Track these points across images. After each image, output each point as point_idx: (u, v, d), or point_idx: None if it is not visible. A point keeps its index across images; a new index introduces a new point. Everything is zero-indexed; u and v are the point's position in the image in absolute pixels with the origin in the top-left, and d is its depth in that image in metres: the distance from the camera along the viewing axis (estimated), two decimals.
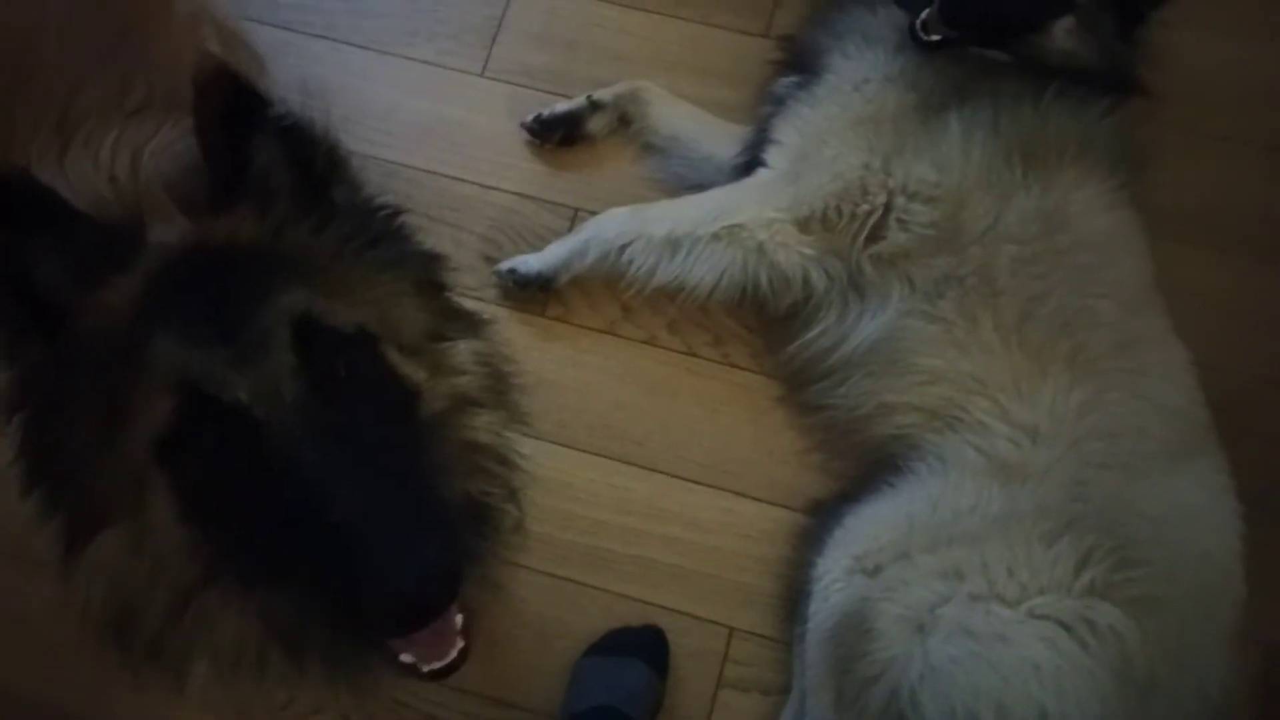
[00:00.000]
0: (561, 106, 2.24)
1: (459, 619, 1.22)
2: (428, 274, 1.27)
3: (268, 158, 1.12)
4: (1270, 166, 2.25)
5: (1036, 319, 1.78)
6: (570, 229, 2.19)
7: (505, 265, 2.13)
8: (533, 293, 2.12)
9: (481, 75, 2.31)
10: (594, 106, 2.24)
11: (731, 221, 1.95)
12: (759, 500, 2.03)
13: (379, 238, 1.21)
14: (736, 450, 2.07)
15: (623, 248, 2.00)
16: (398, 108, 2.30)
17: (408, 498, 1.05)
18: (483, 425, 1.31)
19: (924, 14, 1.87)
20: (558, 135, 2.24)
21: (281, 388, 1.05)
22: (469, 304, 1.35)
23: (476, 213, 2.23)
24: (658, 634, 1.95)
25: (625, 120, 2.25)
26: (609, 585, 1.99)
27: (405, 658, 1.18)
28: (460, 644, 1.22)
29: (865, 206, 1.89)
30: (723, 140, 2.19)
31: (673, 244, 1.97)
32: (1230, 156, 2.26)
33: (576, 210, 2.22)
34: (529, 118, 2.24)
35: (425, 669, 1.19)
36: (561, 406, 2.09)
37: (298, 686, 1.31)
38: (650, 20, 2.33)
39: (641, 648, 1.92)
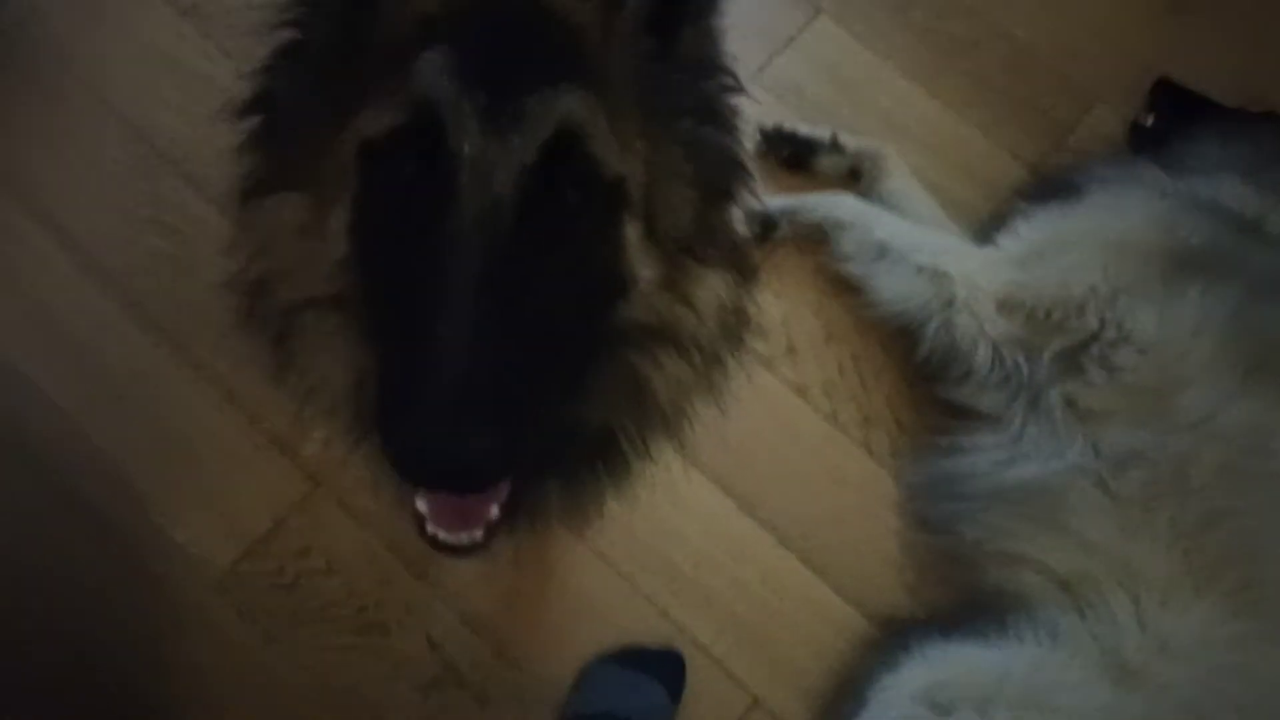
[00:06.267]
0: (805, 129, 2.18)
1: (494, 510, 1.07)
2: (721, 177, 1.11)
3: None
4: None
5: (1218, 533, 1.64)
6: None
7: None
8: (754, 230, 2.01)
9: (753, 78, 2.27)
10: (834, 146, 2.17)
11: (942, 265, 1.93)
12: (839, 591, 1.90)
13: (699, 108, 1.08)
14: (839, 533, 1.94)
15: (841, 225, 2.03)
16: None
17: (525, 369, 0.90)
18: (671, 376, 1.14)
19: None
20: (785, 152, 2.18)
21: (500, 172, 0.92)
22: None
23: None
24: (679, 661, 1.82)
25: (855, 174, 2.18)
26: (660, 599, 1.86)
27: (420, 505, 1.05)
28: (478, 535, 1.06)
29: (1075, 322, 1.82)
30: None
31: (882, 250, 1.98)
32: None
33: None
34: (770, 124, 2.18)
35: (429, 529, 1.06)
36: None
37: (348, 454, 1.22)
38: (933, 105, 2.28)
39: (662, 670, 1.79)
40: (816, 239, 2.08)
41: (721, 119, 1.11)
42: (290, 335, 1.11)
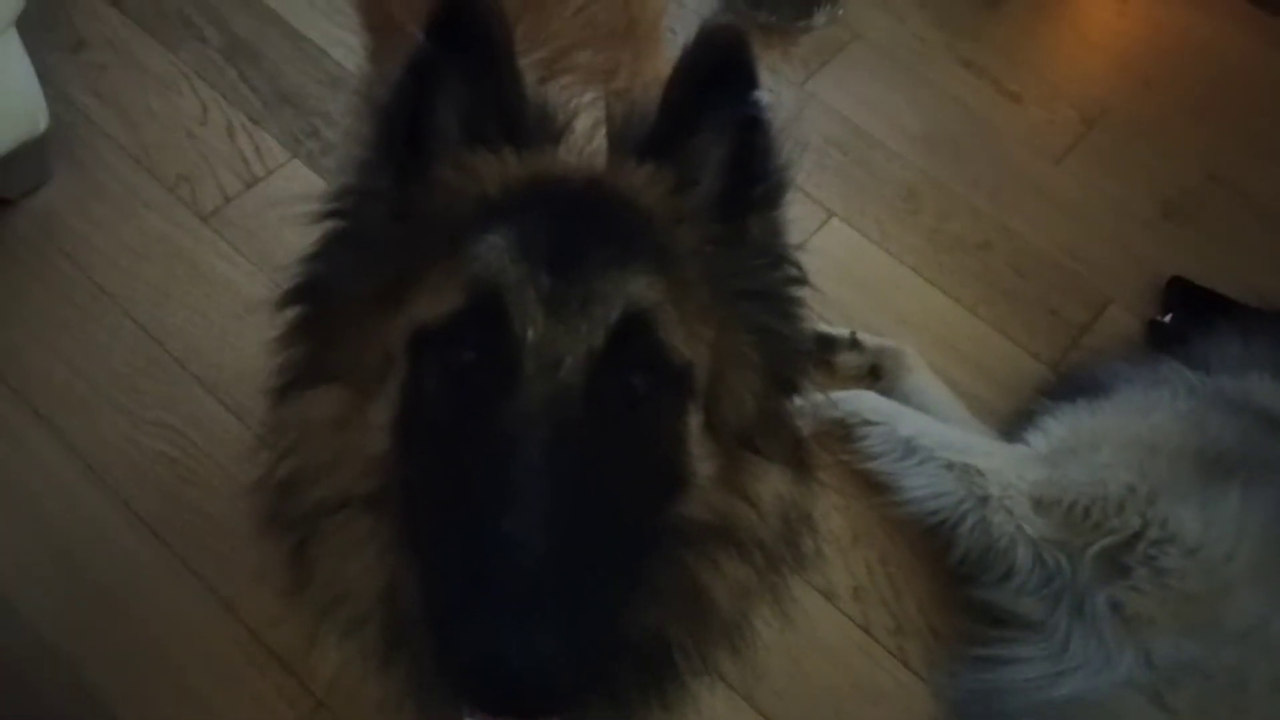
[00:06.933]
0: (823, 327, 2.16)
1: None
2: (787, 366, 1.06)
3: (716, 141, 1.01)
4: None
5: None
6: None
7: None
8: None
9: None
10: (854, 344, 2.17)
11: (972, 462, 1.89)
12: None
13: (766, 295, 1.04)
14: None
15: (867, 423, 2.01)
16: None
17: (592, 573, 0.83)
18: (732, 581, 1.06)
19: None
20: None
21: (566, 358, 0.88)
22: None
23: None
24: None
25: (875, 372, 2.17)
26: None
27: None
28: None
29: (1115, 522, 1.78)
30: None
31: (909, 447, 1.96)
32: None
33: None
34: None
35: None
36: None
37: (367, 670, 1.11)
38: (948, 304, 2.29)
39: None
40: (839, 436, 2.05)
41: (787, 308, 1.07)
42: (316, 540, 1.04)
